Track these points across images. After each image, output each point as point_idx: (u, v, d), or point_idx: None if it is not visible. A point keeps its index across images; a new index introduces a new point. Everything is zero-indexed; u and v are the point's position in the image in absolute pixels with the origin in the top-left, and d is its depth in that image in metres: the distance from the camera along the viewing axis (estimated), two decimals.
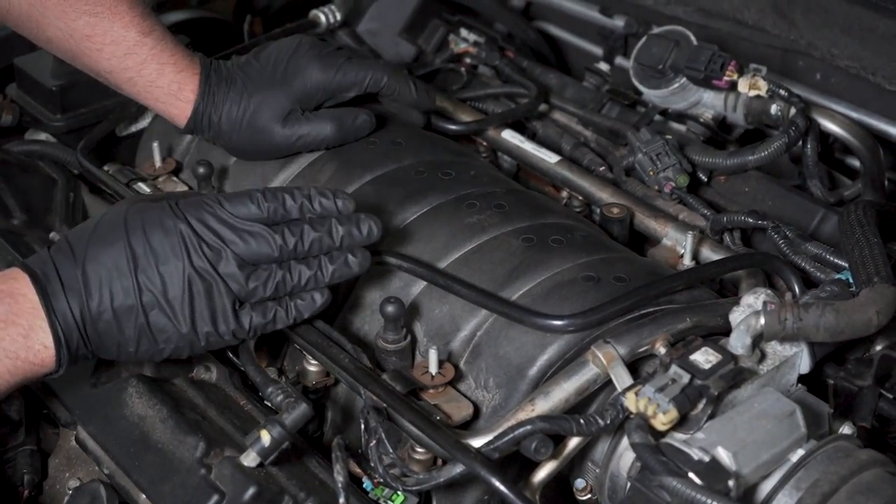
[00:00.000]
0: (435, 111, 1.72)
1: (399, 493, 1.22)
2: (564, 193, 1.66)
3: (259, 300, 1.25)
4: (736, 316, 1.23)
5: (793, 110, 1.58)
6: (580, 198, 1.62)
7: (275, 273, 1.24)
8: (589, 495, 1.28)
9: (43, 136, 1.81)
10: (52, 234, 1.61)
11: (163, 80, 1.52)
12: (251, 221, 1.23)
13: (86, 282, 1.19)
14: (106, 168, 1.66)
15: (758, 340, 1.19)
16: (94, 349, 1.22)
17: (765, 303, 1.19)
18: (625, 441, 1.17)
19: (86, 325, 1.19)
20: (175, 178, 1.64)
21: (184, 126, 1.56)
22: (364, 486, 1.22)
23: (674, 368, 1.12)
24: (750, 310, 1.21)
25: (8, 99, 1.83)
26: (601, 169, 1.68)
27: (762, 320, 1.16)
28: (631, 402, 1.11)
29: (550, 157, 1.67)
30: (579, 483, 1.28)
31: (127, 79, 1.53)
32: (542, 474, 1.21)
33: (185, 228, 1.20)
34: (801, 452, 1.12)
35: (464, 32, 2.02)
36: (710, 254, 1.47)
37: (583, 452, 1.26)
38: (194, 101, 1.54)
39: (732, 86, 1.62)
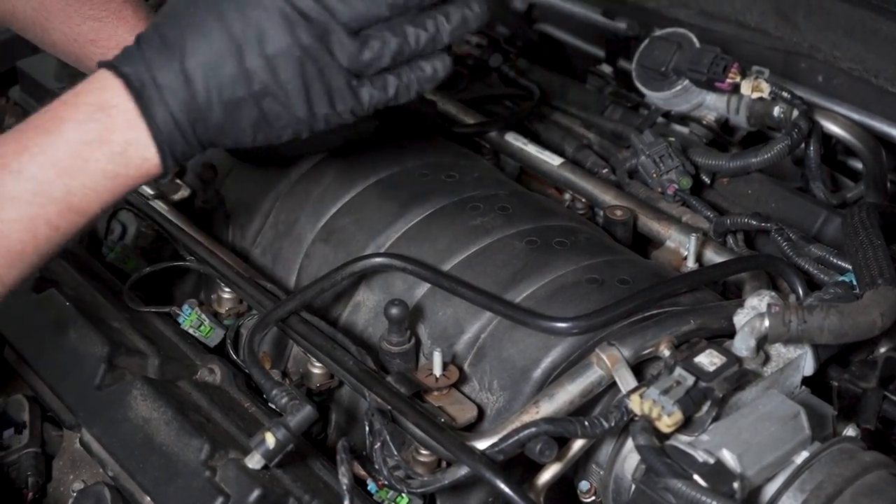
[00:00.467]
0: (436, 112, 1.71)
1: (403, 495, 1.22)
2: (567, 196, 1.66)
3: (377, 72, 1.14)
4: (740, 318, 1.23)
5: (795, 112, 1.58)
6: (583, 200, 1.62)
7: (389, 41, 1.11)
8: (593, 497, 1.28)
9: None
10: None
11: None
12: None
13: (188, 80, 1.08)
14: None
15: (762, 342, 1.19)
16: (206, 144, 1.14)
17: (769, 305, 1.18)
18: (629, 443, 1.17)
19: (195, 126, 1.10)
20: (178, 181, 1.64)
21: None
22: (368, 488, 1.22)
23: (678, 370, 1.12)
24: (754, 312, 1.21)
25: (11, 102, 1.84)
26: (604, 171, 1.68)
27: (766, 322, 1.16)
28: (635, 404, 1.11)
29: (553, 160, 1.66)
30: (583, 485, 1.28)
31: None
32: (546, 476, 1.21)
33: (282, 4, 1.08)
34: (805, 454, 1.12)
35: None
36: (713, 256, 1.47)
37: (587, 455, 1.26)
38: None
39: (735, 88, 1.61)
